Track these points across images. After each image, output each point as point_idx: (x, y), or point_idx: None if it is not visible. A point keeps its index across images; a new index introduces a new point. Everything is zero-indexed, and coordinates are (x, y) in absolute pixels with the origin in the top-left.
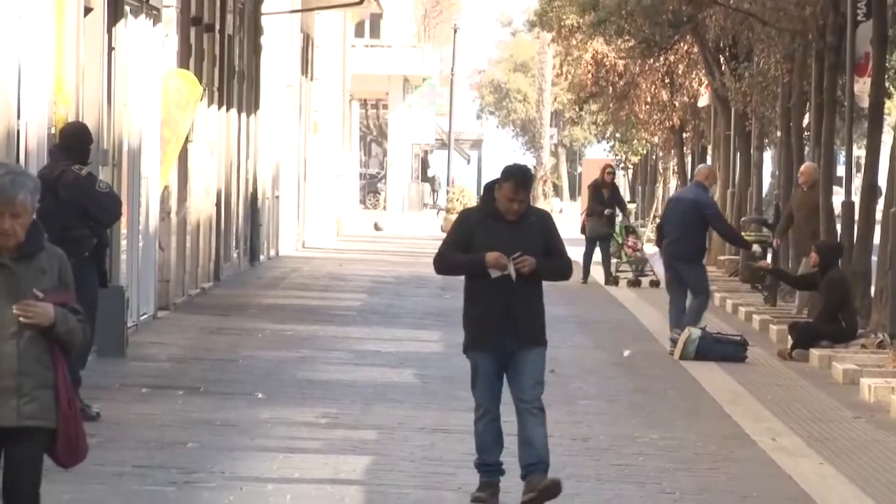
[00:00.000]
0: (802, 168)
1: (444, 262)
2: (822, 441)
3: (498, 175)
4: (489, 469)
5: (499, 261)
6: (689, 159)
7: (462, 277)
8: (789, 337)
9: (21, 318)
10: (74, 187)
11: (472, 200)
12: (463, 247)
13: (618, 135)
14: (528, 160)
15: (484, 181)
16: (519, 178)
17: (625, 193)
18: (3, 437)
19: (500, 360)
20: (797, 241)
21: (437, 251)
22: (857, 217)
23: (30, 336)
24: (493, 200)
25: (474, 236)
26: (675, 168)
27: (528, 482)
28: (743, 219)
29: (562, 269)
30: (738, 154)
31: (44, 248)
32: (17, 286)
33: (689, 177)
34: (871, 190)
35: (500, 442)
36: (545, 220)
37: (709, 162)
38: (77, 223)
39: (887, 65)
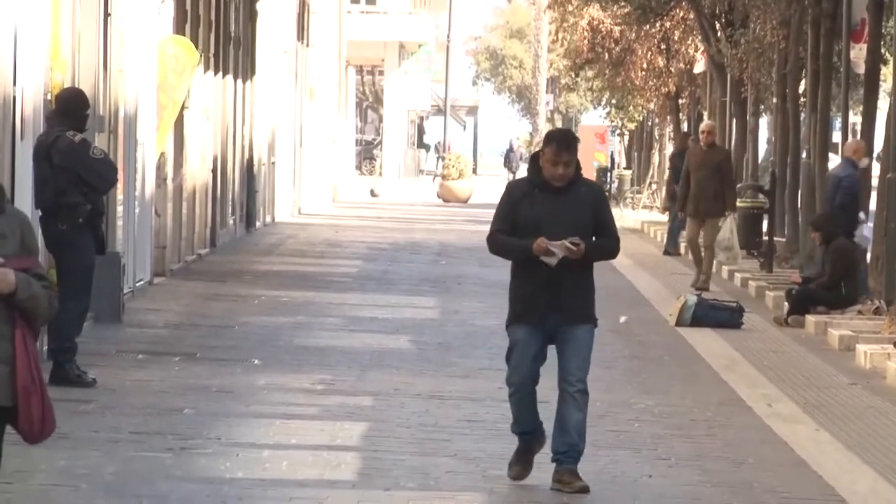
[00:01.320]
0: (703, 126)
1: (497, 246)
2: (817, 407)
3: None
4: (528, 436)
5: (540, 247)
6: (685, 125)
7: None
8: (786, 303)
9: None
10: (68, 153)
11: (468, 167)
12: (511, 225)
13: (614, 101)
14: (524, 126)
15: (480, 147)
16: (560, 139)
17: (620, 160)
18: None
19: (543, 339)
20: (697, 202)
21: (489, 230)
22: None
23: None
24: (539, 170)
25: (519, 210)
26: (671, 134)
27: (557, 470)
28: (739, 185)
29: (610, 248)
30: (735, 120)
31: (3, 211)
32: None
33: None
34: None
35: (534, 411)
36: (596, 192)
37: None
38: (71, 189)
39: (883, 31)
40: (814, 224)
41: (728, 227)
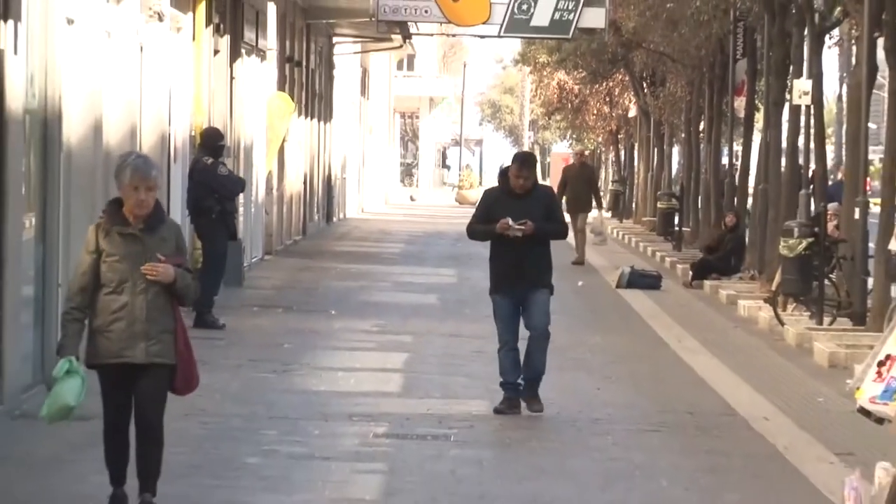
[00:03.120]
0: (576, 150)
1: (472, 232)
2: (712, 344)
3: (505, 161)
4: (509, 387)
5: (503, 226)
6: (622, 153)
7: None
8: (690, 272)
9: (148, 277)
10: (203, 172)
11: (475, 180)
12: (484, 219)
13: (574, 136)
14: (513, 153)
15: (485, 168)
16: (522, 160)
17: None
18: (133, 373)
19: (515, 302)
20: (574, 202)
21: (468, 223)
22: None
23: (155, 291)
24: (507, 181)
25: (493, 209)
26: (613, 159)
27: (525, 393)
28: (659, 192)
29: (556, 230)
30: (656, 149)
31: (164, 221)
32: (144, 252)
33: (621, 165)
34: (744, 174)
35: (518, 368)
36: (547, 194)
37: (635, 156)
38: (206, 196)
39: (756, 88)
40: (735, 214)
41: (599, 219)
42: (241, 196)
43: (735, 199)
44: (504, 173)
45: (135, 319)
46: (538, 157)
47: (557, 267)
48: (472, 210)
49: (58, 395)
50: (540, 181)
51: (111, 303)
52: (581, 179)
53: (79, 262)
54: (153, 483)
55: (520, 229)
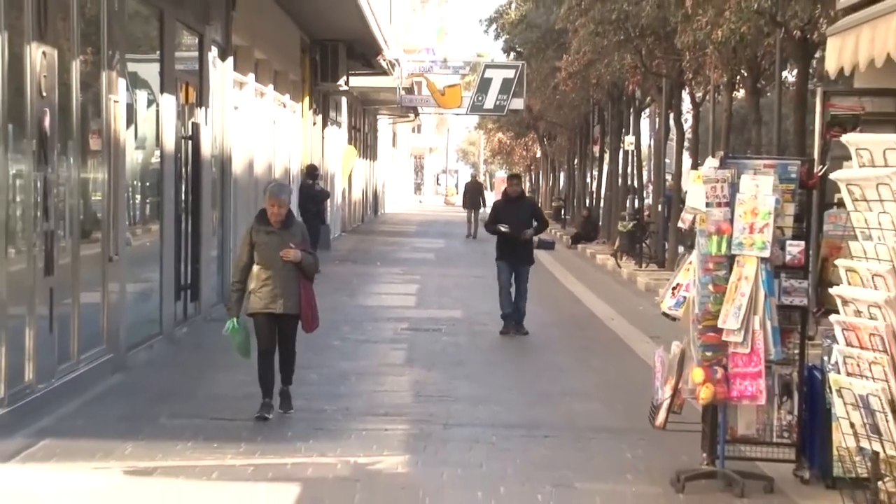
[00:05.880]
0: (507, 175)
1: (489, 230)
2: (583, 279)
3: (470, 174)
4: (506, 315)
5: (521, 236)
6: (533, 177)
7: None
8: (570, 240)
9: (284, 259)
10: (308, 189)
11: (453, 192)
12: (494, 220)
13: (507, 166)
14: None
15: (459, 185)
16: (511, 175)
17: None
18: (275, 318)
19: (510, 267)
20: (509, 220)
21: (485, 223)
22: (593, 196)
23: (288, 267)
24: (505, 192)
25: (499, 213)
26: (532, 183)
27: (514, 323)
28: (553, 196)
29: (542, 229)
30: (551, 175)
31: (294, 222)
32: (282, 242)
33: (532, 183)
34: (598, 188)
35: (510, 303)
36: (533, 202)
37: (540, 178)
38: (308, 202)
39: (605, 141)
40: (589, 210)
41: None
42: (329, 202)
43: (591, 202)
44: (504, 189)
45: (275, 285)
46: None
47: (482, 235)
48: (455, 208)
49: (234, 345)
50: (489, 193)
51: (261, 274)
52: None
53: (238, 253)
54: (290, 378)
55: (525, 234)
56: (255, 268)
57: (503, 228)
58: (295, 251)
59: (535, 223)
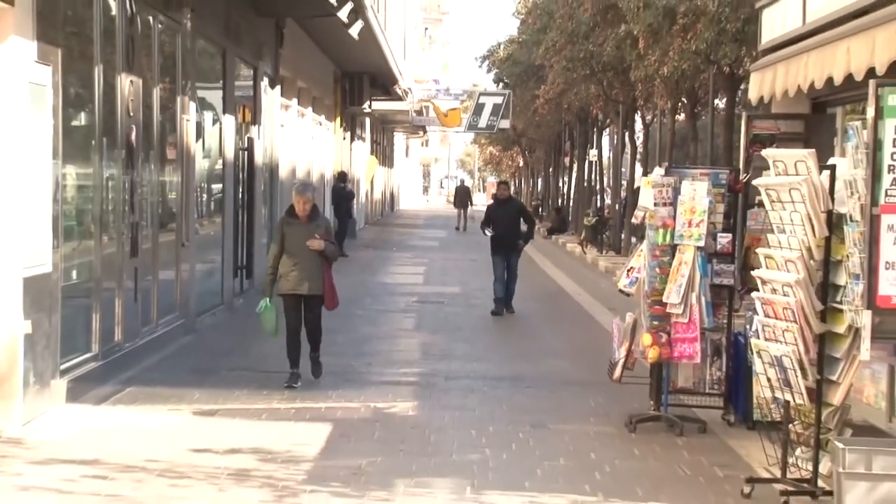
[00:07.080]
0: (497, 181)
1: (483, 228)
2: (555, 262)
3: (464, 179)
4: (497, 300)
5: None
6: (520, 183)
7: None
8: (546, 232)
9: (310, 248)
10: (339, 190)
11: (454, 192)
12: (487, 221)
13: (496, 173)
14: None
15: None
16: (500, 181)
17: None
18: (303, 300)
19: (503, 258)
20: (500, 221)
21: (480, 222)
22: (563, 198)
23: (313, 255)
24: (495, 196)
25: (491, 214)
26: (516, 186)
27: (504, 304)
28: (532, 197)
29: (531, 229)
30: (531, 179)
31: (319, 216)
32: (308, 233)
33: (517, 186)
34: (570, 192)
35: (503, 289)
36: (520, 203)
37: (522, 182)
38: (341, 202)
39: (573, 154)
40: (557, 210)
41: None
42: (354, 200)
43: (562, 201)
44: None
45: (302, 270)
46: (481, 186)
47: (471, 228)
48: (452, 207)
49: (264, 323)
50: (481, 195)
51: (290, 260)
52: (504, 203)
53: (272, 245)
54: (317, 347)
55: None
56: (286, 255)
57: (488, 232)
58: (319, 241)
59: (522, 221)
